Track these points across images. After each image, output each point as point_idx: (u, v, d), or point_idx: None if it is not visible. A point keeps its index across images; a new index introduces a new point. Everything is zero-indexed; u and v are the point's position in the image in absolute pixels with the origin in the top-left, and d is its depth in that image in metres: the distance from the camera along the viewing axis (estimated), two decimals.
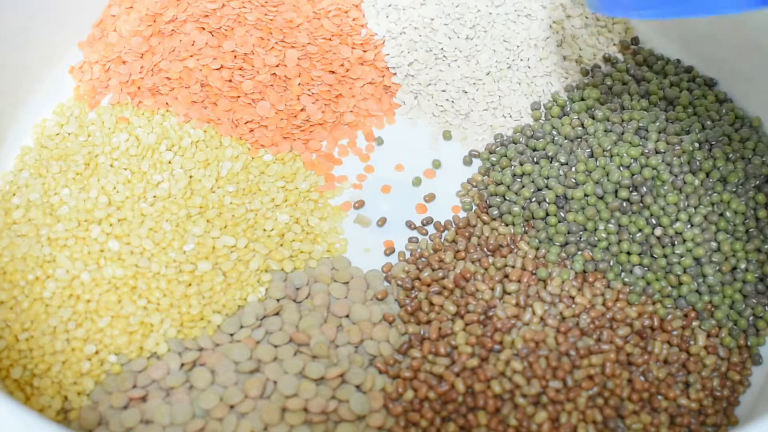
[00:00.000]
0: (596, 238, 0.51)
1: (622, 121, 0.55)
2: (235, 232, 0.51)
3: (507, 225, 0.54)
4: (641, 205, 0.51)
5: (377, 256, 0.54)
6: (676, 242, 0.50)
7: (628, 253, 0.51)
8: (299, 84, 0.57)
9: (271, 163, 0.55)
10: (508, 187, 0.55)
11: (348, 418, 0.45)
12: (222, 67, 0.56)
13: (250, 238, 0.52)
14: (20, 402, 0.45)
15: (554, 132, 0.57)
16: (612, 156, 0.52)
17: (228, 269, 0.50)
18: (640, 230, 0.51)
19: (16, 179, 0.52)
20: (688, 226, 0.51)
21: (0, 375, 0.46)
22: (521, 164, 0.55)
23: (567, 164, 0.54)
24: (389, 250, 0.54)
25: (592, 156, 0.53)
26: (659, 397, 0.47)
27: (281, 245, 0.52)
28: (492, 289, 0.50)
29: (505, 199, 0.55)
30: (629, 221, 0.51)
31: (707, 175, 0.52)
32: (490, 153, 0.57)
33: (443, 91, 0.59)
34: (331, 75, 0.58)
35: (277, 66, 0.56)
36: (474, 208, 0.55)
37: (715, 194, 0.51)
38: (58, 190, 0.51)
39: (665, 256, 0.50)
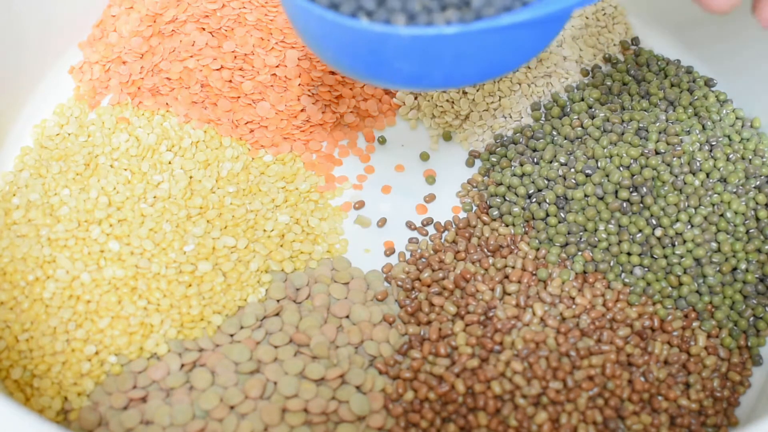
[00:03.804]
0: (596, 239, 0.51)
1: (622, 121, 0.55)
2: (236, 233, 0.51)
3: (507, 225, 0.54)
4: (641, 205, 0.51)
5: (377, 256, 0.54)
6: (676, 243, 0.50)
7: (629, 254, 0.51)
8: (299, 84, 0.57)
9: (272, 163, 0.55)
10: (508, 187, 0.55)
11: (348, 418, 0.45)
12: (222, 67, 0.56)
13: (251, 239, 0.52)
14: (20, 403, 0.45)
15: (554, 132, 0.57)
16: (612, 156, 0.52)
17: (228, 270, 0.50)
18: (640, 231, 0.51)
19: (16, 179, 0.52)
20: (689, 226, 0.51)
21: (0, 376, 0.46)
22: (521, 165, 0.55)
23: (567, 165, 0.54)
24: (389, 251, 0.54)
25: (592, 157, 0.53)
26: (659, 397, 0.47)
27: (281, 246, 0.52)
28: (492, 290, 0.50)
29: (505, 200, 0.54)
30: (629, 222, 0.51)
31: (707, 175, 0.52)
32: (491, 153, 0.57)
33: (443, 91, 0.58)
34: (332, 75, 0.58)
35: (277, 66, 0.56)
36: (474, 208, 0.55)
37: (715, 195, 0.51)
38: (58, 190, 0.51)
39: (665, 257, 0.50)
